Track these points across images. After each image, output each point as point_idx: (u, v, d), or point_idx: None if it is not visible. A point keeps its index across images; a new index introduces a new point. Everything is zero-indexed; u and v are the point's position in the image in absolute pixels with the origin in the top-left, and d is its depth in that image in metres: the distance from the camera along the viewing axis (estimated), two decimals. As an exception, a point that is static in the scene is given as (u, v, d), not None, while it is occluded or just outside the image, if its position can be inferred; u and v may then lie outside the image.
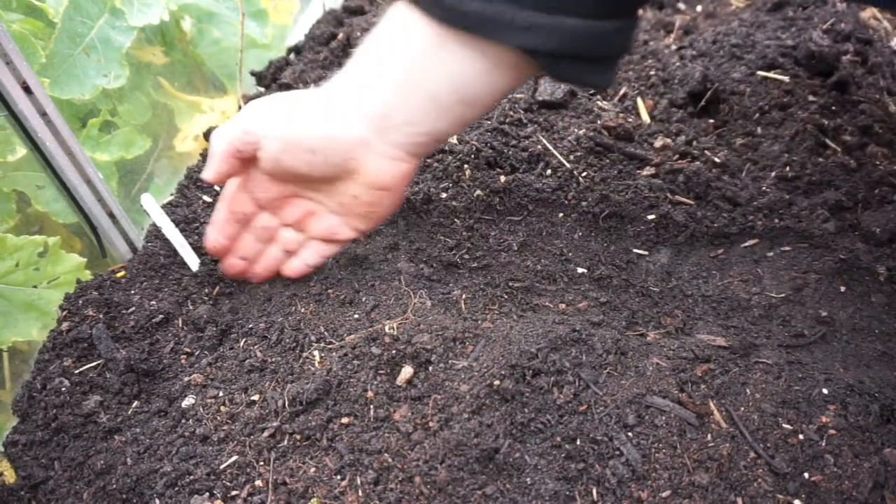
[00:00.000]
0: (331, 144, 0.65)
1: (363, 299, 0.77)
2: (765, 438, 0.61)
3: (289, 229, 0.75)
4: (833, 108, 0.97)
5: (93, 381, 0.71)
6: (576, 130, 0.93)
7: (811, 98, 0.98)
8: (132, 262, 0.83)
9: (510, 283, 0.80)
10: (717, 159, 0.92)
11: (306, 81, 1.10)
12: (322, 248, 0.76)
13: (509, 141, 0.92)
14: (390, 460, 0.61)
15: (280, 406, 0.66)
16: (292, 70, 1.12)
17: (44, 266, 0.80)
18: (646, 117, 0.98)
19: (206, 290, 0.81)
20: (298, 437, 0.64)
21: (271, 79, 1.15)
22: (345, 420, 0.64)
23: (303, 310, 0.75)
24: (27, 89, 0.71)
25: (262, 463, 0.63)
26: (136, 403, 0.70)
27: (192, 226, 0.87)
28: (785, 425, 0.62)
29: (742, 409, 0.64)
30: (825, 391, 0.65)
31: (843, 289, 0.77)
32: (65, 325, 0.74)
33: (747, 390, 0.65)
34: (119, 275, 0.81)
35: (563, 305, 0.77)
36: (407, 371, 0.66)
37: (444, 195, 0.86)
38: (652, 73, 1.04)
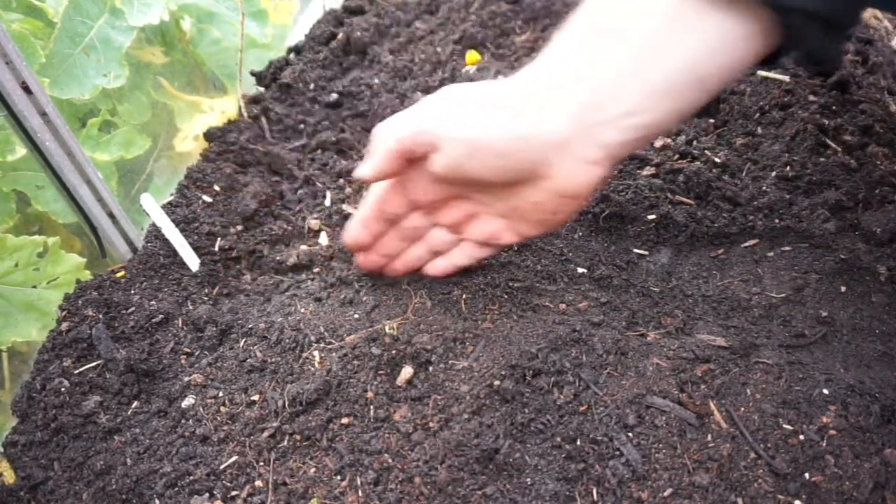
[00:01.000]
0: (523, 148, 0.56)
1: (363, 299, 0.77)
2: (765, 439, 0.61)
3: (441, 230, 0.70)
4: (833, 107, 0.97)
5: (92, 381, 0.71)
6: (576, 130, 0.93)
7: (811, 98, 0.98)
8: (132, 262, 0.83)
9: (510, 283, 0.80)
10: (717, 159, 0.91)
11: (306, 81, 1.10)
12: (476, 250, 0.71)
13: (509, 141, 0.92)
14: (390, 460, 0.61)
15: (280, 406, 0.66)
16: (292, 70, 1.12)
17: (43, 266, 0.80)
18: (646, 117, 0.98)
19: (206, 290, 0.81)
20: (298, 437, 0.64)
21: (271, 79, 1.15)
22: (345, 420, 0.64)
23: (303, 310, 0.75)
24: (27, 89, 0.71)
25: (262, 463, 0.63)
26: (135, 404, 0.70)
27: (192, 226, 0.87)
28: (785, 426, 0.62)
29: (742, 409, 0.63)
30: (826, 391, 0.65)
31: (843, 289, 0.77)
32: (64, 326, 0.74)
33: (747, 390, 0.65)
34: (119, 275, 0.81)
35: (564, 305, 0.77)
36: (407, 371, 0.66)
37: (444, 195, 0.86)
38: (652, 72, 1.04)
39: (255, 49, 1.19)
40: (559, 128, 0.55)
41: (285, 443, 0.64)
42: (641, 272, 0.82)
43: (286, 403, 0.65)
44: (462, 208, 0.67)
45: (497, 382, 0.64)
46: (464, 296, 0.77)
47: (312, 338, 0.71)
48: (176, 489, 0.62)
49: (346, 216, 0.89)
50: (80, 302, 0.77)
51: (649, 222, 0.85)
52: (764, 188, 0.88)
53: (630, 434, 0.62)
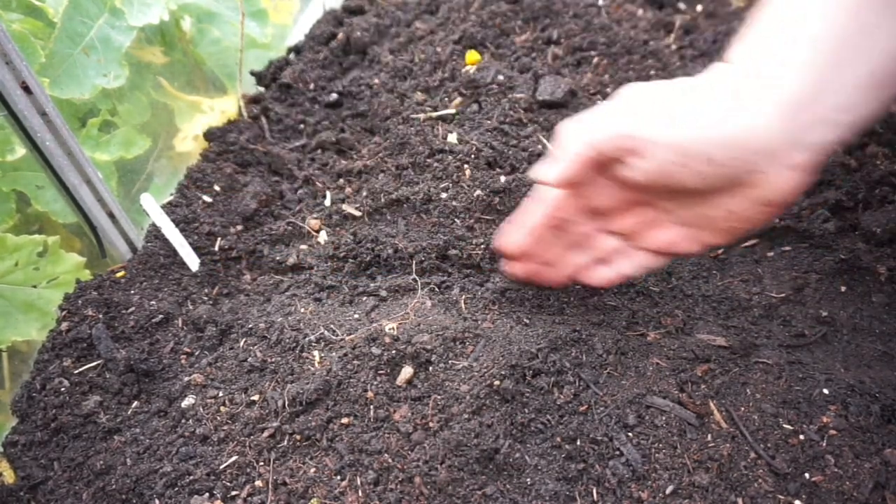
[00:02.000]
0: (736, 152, 0.50)
1: (363, 299, 0.77)
2: (765, 438, 0.61)
3: (610, 237, 0.64)
4: (833, 107, 0.97)
5: (92, 381, 0.71)
6: (576, 130, 0.93)
7: (811, 98, 0.98)
8: (132, 262, 0.83)
9: (510, 283, 0.80)
10: (717, 159, 0.91)
11: (306, 81, 1.10)
12: (648, 259, 0.65)
13: (509, 141, 0.92)
14: (390, 460, 0.61)
15: (280, 406, 0.66)
16: (292, 70, 1.12)
17: (43, 266, 0.80)
18: (646, 117, 0.98)
19: (206, 290, 0.81)
20: (298, 437, 0.64)
21: (271, 79, 1.15)
22: (345, 420, 0.64)
23: (303, 310, 0.75)
24: (27, 89, 0.71)
25: (262, 463, 0.63)
26: (135, 403, 0.70)
27: (191, 226, 0.87)
28: (785, 425, 0.62)
29: (742, 409, 0.63)
30: (826, 391, 0.65)
31: (843, 289, 0.77)
32: (64, 325, 0.74)
33: (747, 390, 0.65)
34: (119, 275, 0.81)
35: (564, 305, 0.77)
36: (407, 371, 0.66)
37: (444, 195, 0.86)
38: (652, 72, 1.04)
39: (255, 49, 1.19)
40: (772, 129, 0.49)
41: (285, 443, 0.64)
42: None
43: (286, 403, 0.65)
44: (642, 215, 0.61)
45: (497, 382, 0.64)
46: (464, 296, 0.77)
47: (312, 338, 0.71)
48: (176, 489, 0.62)
49: (346, 216, 0.89)
50: (80, 302, 0.77)
51: (649, 222, 0.85)
52: (764, 188, 0.88)
53: (630, 434, 0.62)
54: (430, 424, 0.62)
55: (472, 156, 0.89)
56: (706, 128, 0.51)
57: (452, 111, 0.96)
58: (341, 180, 0.95)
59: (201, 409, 0.68)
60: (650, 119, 0.53)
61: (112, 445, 0.66)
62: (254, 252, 0.87)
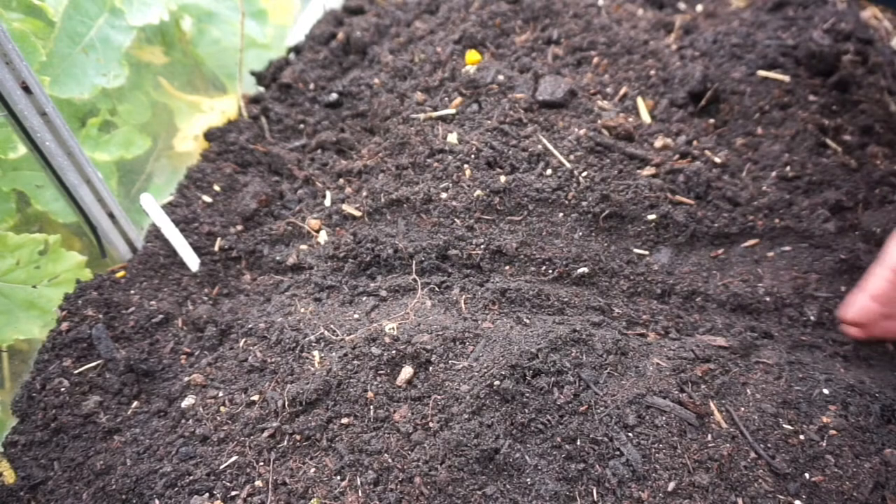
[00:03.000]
0: None
1: (363, 299, 0.77)
2: (765, 439, 0.61)
3: None
4: (833, 107, 0.97)
5: (92, 381, 0.71)
6: (576, 130, 0.93)
7: (811, 98, 0.98)
8: (132, 262, 0.83)
9: (510, 283, 0.80)
10: (717, 159, 0.91)
11: (306, 81, 1.10)
12: None
13: (509, 141, 0.92)
14: (390, 461, 0.61)
15: (280, 406, 0.66)
16: (292, 70, 1.12)
17: (44, 264, 0.80)
18: (646, 117, 0.98)
19: (206, 290, 0.81)
20: (298, 437, 0.64)
21: (271, 79, 1.15)
22: (345, 420, 0.64)
23: (303, 310, 0.75)
24: (27, 89, 0.71)
25: (261, 463, 0.63)
26: (135, 404, 0.70)
27: (191, 226, 0.87)
28: (785, 425, 0.62)
29: (742, 409, 0.63)
30: (826, 391, 0.65)
31: (843, 289, 0.77)
32: (64, 325, 0.74)
33: (748, 390, 0.65)
34: (119, 275, 0.81)
35: (564, 305, 0.77)
36: (407, 371, 0.66)
37: (444, 195, 0.86)
38: (652, 72, 1.04)
39: (255, 49, 1.19)
40: None
41: (285, 443, 0.64)
42: (641, 272, 0.82)
43: (286, 403, 0.65)
44: None
45: (497, 382, 0.64)
46: (464, 296, 0.77)
47: (312, 338, 0.71)
48: (176, 489, 0.62)
49: (346, 216, 0.89)
50: (80, 302, 0.77)
51: (649, 222, 0.85)
52: (764, 188, 0.88)
53: (630, 434, 0.62)
54: (430, 424, 0.62)
55: (472, 156, 0.89)
56: None
57: (452, 111, 0.96)
58: (341, 180, 0.95)
59: (201, 409, 0.68)
60: None
61: (112, 445, 0.66)
62: (254, 252, 0.87)
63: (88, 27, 0.90)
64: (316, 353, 0.70)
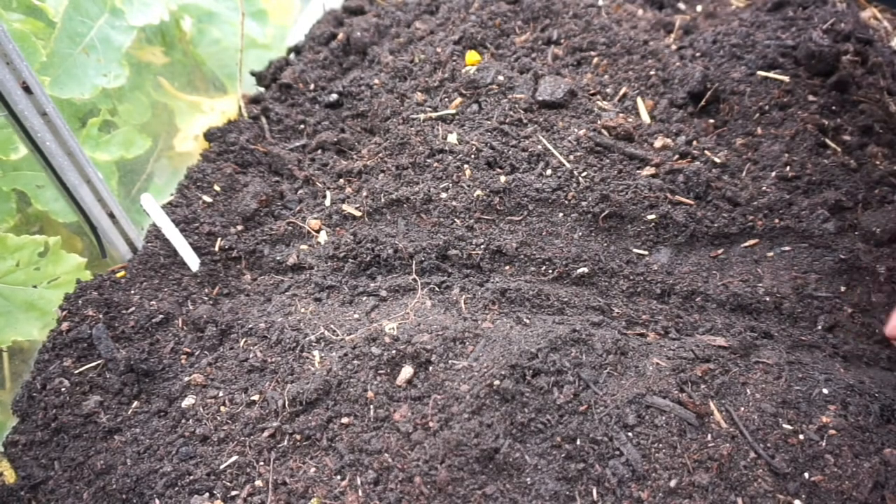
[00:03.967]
0: None
1: (363, 299, 0.77)
2: (765, 438, 0.61)
3: None
4: (833, 108, 0.97)
5: (93, 381, 0.71)
6: (576, 130, 0.93)
7: (811, 98, 0.98)
8: (132, 262, 0.83)
9: (510, 283, 0.80)
10: (717, 159, 0.91)
11: (306, 81, 1.10)
12: None
13: (509, 141, 0.92)
14: (390, 460, 0.61)
15: (280, 406, 0.66)
16: (292, 70, 1.12)
17: (44, 266, 0.80)
18: (646, 117, 0.98)
19: (206, 290, 0.81)
20: (298, 437, 0.64)
21: (271, 79, 1.15)
22: (345, 420, 0.64)
23: (303, 310, 0.75)
24: (27, 89, 0.71)
25: (261, 463, 0.63)
26: (135, 403, 0.70)
27: (192, 226, 0.87)
28: (785, 425, 0.62)
29: (742, 409, 0.63)
30: (825, 391, 0.65)
31: (843, 289, 0.77)
32: (65, 325, 0.74)
33: (747, 390, 0.65)
34: (119, 275, 0.81)
35: (564, 305, 0.77)
36: (407, 371, 0.66)
37: (444, 195, 0.86)
38: (652, 73, 1.04)
39: (255, 49, 1.19)
40: None
41: (285, 443, 0.64)
42: (641, 272, 0.82)
43: (286, 403, 0.65)
44: None
45: (497, 382, 0.64)
46: (464, 296, 0.77)
47: (312, 338, 0.71)
48: (176, 489, 0.62)
49: (346, 216, 0.89)
50: (80, 302, 0.77)
51: (649, 222, 0.85)
52: (764, 188, 0.88)
53: (630, 434, 0.62)
54: (430, 424, 0.63)
55: (472, 156, 0.89)
56: None
57: (452, 111, 0.96)
58: (341, 180, 0.95)
59: (201, 409, 0.68)
60: None
61: (112, 445, 0.66)
62: (254, 252, 0.87)
63: (89, 27, 0.90)
64: (316, 352, 0.70)
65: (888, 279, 0.77)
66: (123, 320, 0.76)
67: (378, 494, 0.59)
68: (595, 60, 1.05)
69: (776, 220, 0.84)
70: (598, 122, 0.95)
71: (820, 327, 0.75)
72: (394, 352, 0.67)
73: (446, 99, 0.98)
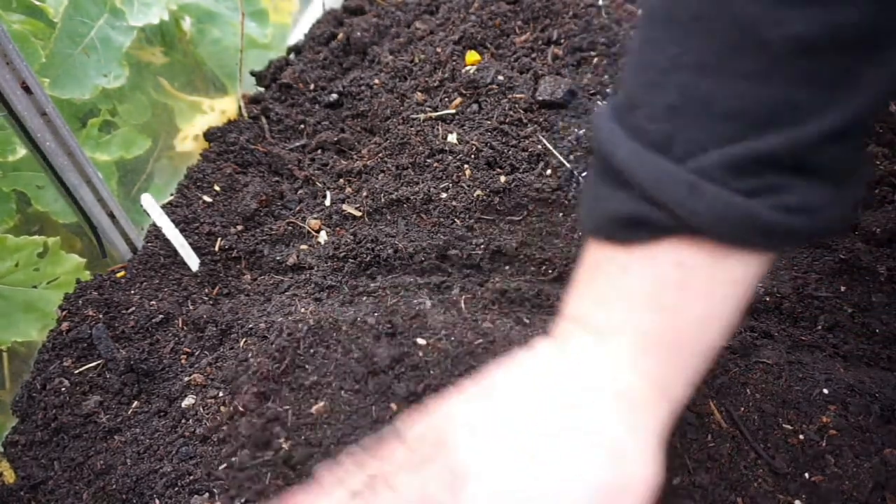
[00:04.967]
0: None
1: (363, 299, 0.77)
2: (765, 438, 0.61)
3: None
4: (833, 107, 0.97)
5: (93, 381, 0.71)
6: (576, 130, 0.93)
7: (811, 98, 0.98)
8: (132, 262, 0.83)
9: (510, 283, 0.80)
10: (717, 159, 0.91)
11: (306, 81, 1.10)
12: None
13: (509, 141, 0.92)
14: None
15: (280, 406, 0.66)
16: (292, 70, 1.12)
17: (44, 266, 0.80)
18: (646, 117, 0.98)
19: (206, 290, 0.81)
20: (298, 437, 0.64)
21: (271, 79, 1.15)
22: (345, 420, 0.64)
23: (303, 310, 0.75)
24: (27, 89, 0.71)
25: (261, 463, 0.63)
26: (135, 403, 0.70)
27: (191, 226, 0.87)
28: (785, 425, 0.62)
29: (742, 409, 0.63)
30: (825, 391, 0.65)
31: (843, 289, 0.77)
32: (64, 326, 0.74)
33: (747, 390, 0.65)
34: (119, 275, 0.81)
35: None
36: (407, 371, 0.66)
37: (444, 195, 0.86)
38: (652, 72, 1.04)
39: (255, 49, 1.19)
40: None
41: (285, 443, 0.64)
42: (641, 272, 0.82)
43: (286, 403, 0.65)
44: None
45: (497, 382, 0.64)
46: (464, 296, 0.77)
47: (312, 338, 0.71)
48: (176, 489, 0.62)
49: (346, 216, 0.89)
50: (80, 302, 0.77)
51: (649, 222, 0.85)
52: (764, 188, 0.88)
53: (630, 434, 0.62)
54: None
55: (472, 156, 0.89)
56: None
57: (452, 111, 0.96)
58: (341, 180, 0.95)
59: (201, 409, 0.68)
60: None
61: (112, 445, 0.66)
62: (254, 252, 0.87)
63: (89, 28, 0.90)
64: (316, 353, 0.70)
65: (888, 279, 0.77)
66: (123, 320, 0.76)
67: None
68: (595, 60, 1.05)
69: (776, 220, 0.84)
70: (598, 122, 0.95)
71: (820, 327, 0.75)
72: (394, 352, 0.67)
73: (446, 99, 0.98)
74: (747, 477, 0.59)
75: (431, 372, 0.67)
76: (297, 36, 1.27)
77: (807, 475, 0.59)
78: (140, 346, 0.73)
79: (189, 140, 1.05)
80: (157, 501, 0.62)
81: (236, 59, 1.10)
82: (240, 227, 0.89)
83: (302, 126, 1.05)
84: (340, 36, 1.16)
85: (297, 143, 1.03)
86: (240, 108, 1.08)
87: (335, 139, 1.01)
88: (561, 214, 0.86)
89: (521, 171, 0.89)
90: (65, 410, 0.68)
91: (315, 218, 0.90)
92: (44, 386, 0.70)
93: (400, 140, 0.94)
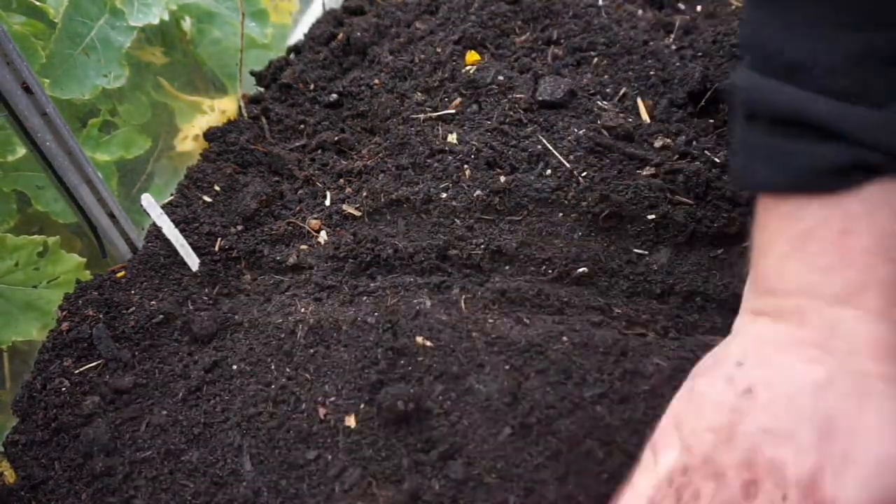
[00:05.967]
0: None
1: (363, 299, 0.77)
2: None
3: None
4: (833, 107, 0.97)
5: (93, 381, 0.71)
6: (576, 130, 0.93)
7: (811, 98, 0.98)
8: (132, 262, 0.83)
9: (510, 283, 0.80)
10: (717, 159, 0.91)
11: (306, 81, 1.10)
12: None
13: (509, 141, 0.92)
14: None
15: (280, 406, 0.66)
16: (292, 70, 1.12)
17: (44, 266, 0.80)
18: (646, 117, 0.98)
19: (207, 290, 0.81)
20: (298, 437, 0.64)
21: (271, 79, 1.15)
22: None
23: (303, 310, 0.75)
24: (27, 89, 0.71)
25: (262, 463, 0.63)
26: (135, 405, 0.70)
27: (192, 226, 0.87)
28: (785, 425, 0.62)
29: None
30: (825, 391, 0.65)
31: (843, 289, 0.77)
32: (65, 325, 0.74)
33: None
34: (119, 275, 0.81)
35: (564, 305, 0.77)
36: (407, 371, 0.66)
37: (444, 195, 0.86)
38: (652, 73, 1.04)
39: (255, 49, 1.19)
40: None
41: (285, 442, 0.64)
42: (641, 272, 0.82)
43: (286, 403, 0.65)
44: None
45: (497, 382, 0.64)
46: (464, 296, 0.77)
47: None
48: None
49: (346, 216, 0.89)
50: (80, 302, 0.77)
51: (649, 222, 0.85)
52: (764, 188, 0.88)
53: (630, 434, 0.62)
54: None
55: (472, 156, 0.89)
56: None
57: (452, 111, 0.96)
58: (341, 180, 0.95)
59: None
60: None
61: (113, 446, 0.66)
62: (254, 252, 0.87)
63: (89, 28, 0.90)
64: (316, 353, 0.70)
65: (888, 279, 0.77)
66: (123, 320, 0.76)
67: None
68: (595, 60, 1.05)
69: (776, 220, 0.84)
70: (598, 121, 0.95)
71: (820, 327, 0.75)
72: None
73: (446, 99, 0.98)
74: (747, 477, 0.59)
75: (432, 372, 0.67)
76: (297, 36, 1.27)
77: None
78: (140, 346, 0.74)
79: (189, 140, 1.05)
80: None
81: (236, 59, 1.10)
82: (240, 227, 0.89)
83: (302, 126, 1.05)
84: (340, 36, 1.16)
85: (297, 143, 1.03)
86: (240, 108, 1.08)
87: (335, 139, 1.01)
88: (561, 214, 0.86)
89: (521, 171, 0.89)
90: (65, 410, 0.68)
91: (315, 218, 0.90)
92: (44, 386, 0.70)
93: (400, 140, 0.94)
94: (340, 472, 0.61)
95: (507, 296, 0.77)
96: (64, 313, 0.76)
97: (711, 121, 0.99)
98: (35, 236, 0.79)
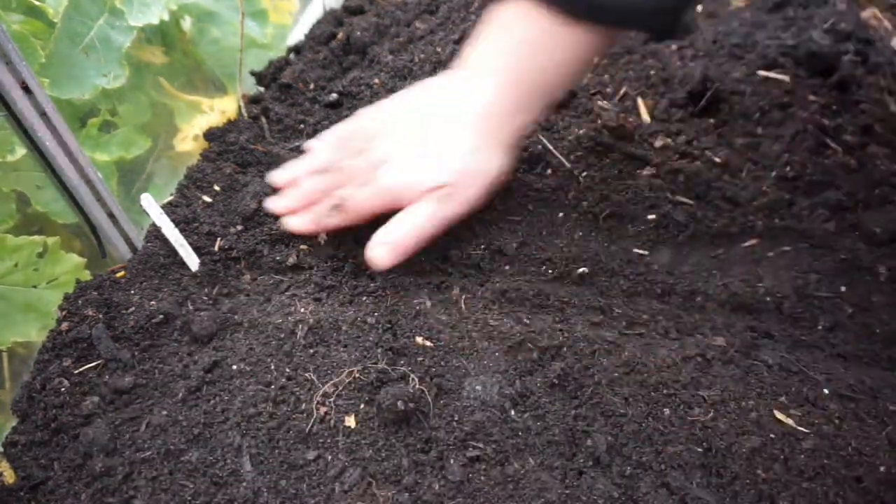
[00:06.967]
0: None
1: (363, 300, 0.77)
2: (765, 439, 0.61)
3: None
4: (834, 107, 0.97)
5: (92, 381, 0.71)
6: (576, 130, 0.93)
7: (812, 98, 0.98)
8: (132, 262, 0.83)
9: (510, 283, 0.80)
10: (717, 159, 0.91)
11: (306, 81, 1.10)
12: None
13: (509, 141, 0.92)
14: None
15: (280, 406, 0.66)
16: (292, 70, 1.12)
17: (43, 266, 0.80)
18: (646, 117, 0.98)
19: (206, 291, 0.81)
20: (298, 437, 0.64)
21: (271, 79, 1.15)
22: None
23: (303, 310, 0.75)
24: (27, 89, 0.71)
25: (261, 463, 0.63)
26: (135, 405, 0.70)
27: (192, 226, 0.87)
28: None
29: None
30: (826, 391, 0.65)
31: (843, 289, 0.77)
32: (64, 326, 0.74)
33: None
34: (119, 275, 0.81)
35: (564, 305, 0.77)
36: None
37: (444, 195, 0.86)
38: (652, 72, 1.04)
39: (255, 49, 1.19)
40: None
41: (285, 443, 0.64)
42: (641, 272, 0.82)
43: (286, 403, 0.65)
44: None
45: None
46: (464, 296, 0.77)
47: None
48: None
49: (346, 216, 0.89)
50: (80, 302, 0.77)
51: (649, 222, 0.85)
52: (764, 188, 0.88)
53: (630, 434, 0.62)
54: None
55: (472, 156, 0.89)
56: None
57: (452, 111, 0.96)
58: (341, 180, 0.95)
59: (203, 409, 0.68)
60: None
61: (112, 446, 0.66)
62: (254, 252, 0.87)
63: (89, 28, 0.90)
64: (316, 353, 0.70)
65: (888, 279, 0.77)
66: (123, 320, 0.76)
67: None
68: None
69: (776, 220, 0.84)
70: (599, 121, 0.95)
71: (820, 327, 0.75)
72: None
73: (446, 99, 0.98)
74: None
75: (431, 372, 0.67)
76: (297, 36, 1.27)
77: (807, 475, 0.59)
78: (140, 346, 0.73)
79: (189, 140, 1.05)
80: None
81: (236, 58, 1.10)
82: (240, 227, 0.89)
83: (302, 126, 1.05)
84: (340, 36, 1.16)
85: (297, 143, 1.03)
86: (240, 107, 1.08)
87: (335, 139, 1.01)
88: (561, 214, 0.85)
89: (520, 171, 0.89)
90: (65, 410, 0.68)
91: (315, 218, 0.90)
92: (44, 386, 0.70)
93: (400, 140, 0.94)
94: (340, 472, 0.61)
95: (507, 296, 0.77)
96: (63, 313, 0.76)
97: (712, 121, 0.99)
98: (35, 237, 0.79)
